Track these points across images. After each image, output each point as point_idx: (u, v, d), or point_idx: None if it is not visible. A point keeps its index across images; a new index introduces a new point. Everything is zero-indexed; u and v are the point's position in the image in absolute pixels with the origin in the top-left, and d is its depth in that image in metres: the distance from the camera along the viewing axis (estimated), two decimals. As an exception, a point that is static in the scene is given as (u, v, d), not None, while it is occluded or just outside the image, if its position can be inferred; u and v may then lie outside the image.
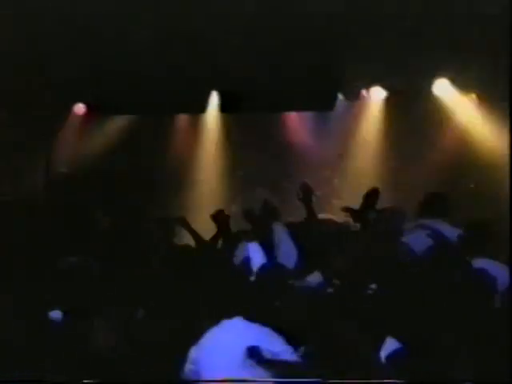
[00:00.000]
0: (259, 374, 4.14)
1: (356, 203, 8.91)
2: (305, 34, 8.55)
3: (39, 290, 5.92)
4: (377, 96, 11.56)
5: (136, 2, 7.25)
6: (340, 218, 10.41)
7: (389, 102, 11.56)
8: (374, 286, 6.00)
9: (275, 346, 4.34)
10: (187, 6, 7.36)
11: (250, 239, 7.12)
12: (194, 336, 4.80)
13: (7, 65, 8.11)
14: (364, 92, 11.57)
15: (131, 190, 10.64)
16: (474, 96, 10.64)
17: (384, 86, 11.38)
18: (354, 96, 11.65)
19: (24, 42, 7.87)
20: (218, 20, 7.79)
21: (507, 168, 7.72)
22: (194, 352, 4.63)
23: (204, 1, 7.25)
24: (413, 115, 11.60)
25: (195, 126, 11.79)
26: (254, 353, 4.15)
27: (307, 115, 12.39)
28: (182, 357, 4.69)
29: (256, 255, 6.63)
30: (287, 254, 7.71)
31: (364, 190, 8.98)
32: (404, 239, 7.21)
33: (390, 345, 4.72)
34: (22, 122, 9.74)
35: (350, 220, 9.26)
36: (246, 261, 6.72)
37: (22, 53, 8.15)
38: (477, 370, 4.49)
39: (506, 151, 8.41)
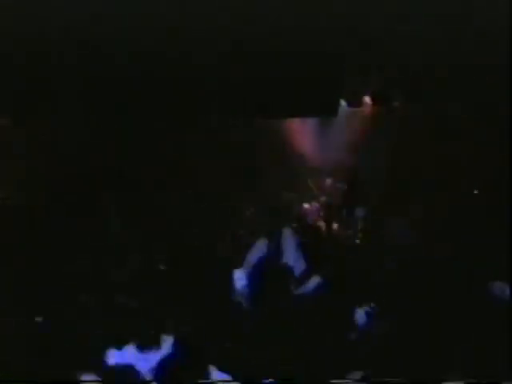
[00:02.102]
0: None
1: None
2: (308, 40, 8.57)
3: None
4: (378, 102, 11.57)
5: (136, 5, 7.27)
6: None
7: (390, 108, 11.59)
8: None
9: None
10: (192, 10, 7.39)
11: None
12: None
13: (7, 67, 8.13)
14: (366, 98, 11.55)
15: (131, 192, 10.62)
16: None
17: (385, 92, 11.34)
18: (357, 102, 11.65)
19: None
20: (226, 25, 7.82)
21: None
22: None
23: (210, 4, 7.27)
24: (413, 121, 11.68)
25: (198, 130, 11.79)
26: None
27: (310, 121, 12.42)
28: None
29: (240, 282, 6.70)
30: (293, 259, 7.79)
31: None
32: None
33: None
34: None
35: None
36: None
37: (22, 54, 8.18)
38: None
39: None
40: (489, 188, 9.92)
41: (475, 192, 10.83)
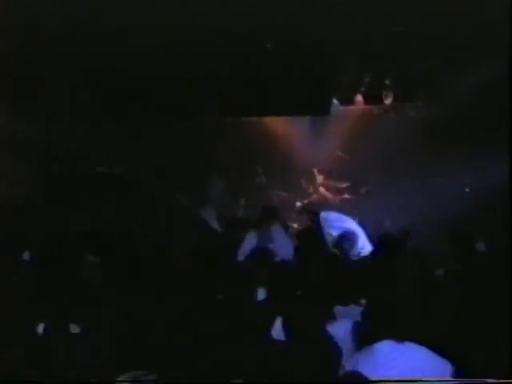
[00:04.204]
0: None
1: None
2: (301, 40, 8.57)
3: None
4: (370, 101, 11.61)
5: (134, 5, 7.24)
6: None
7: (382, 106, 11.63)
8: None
9: None
10: (188, 11, 7.37)
11: None
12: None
13: (6, 67, 8.09)
14: (358, 97, 11.57)
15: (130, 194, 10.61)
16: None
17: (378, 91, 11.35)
18: (349, 101, 11.67)
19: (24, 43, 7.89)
20: (218, 25, 7.80)
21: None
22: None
23: (205, 5, 7.25)
24: (407, 120, 11.74)
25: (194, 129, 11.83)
26: None
27: (303, 120, 12.46)
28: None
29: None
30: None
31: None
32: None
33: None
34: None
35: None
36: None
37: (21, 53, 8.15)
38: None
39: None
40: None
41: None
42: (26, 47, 7.91)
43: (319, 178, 12.42)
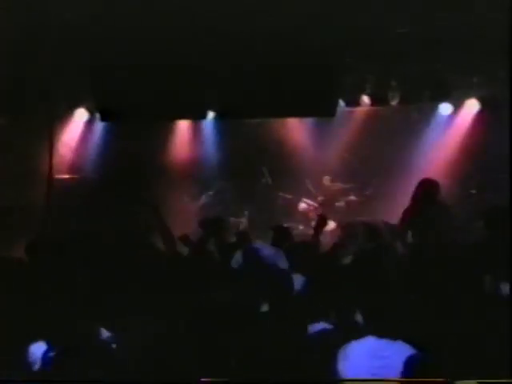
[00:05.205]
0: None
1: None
2: (307, 41, 8.55)
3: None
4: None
5: (136, 5, 7.24)
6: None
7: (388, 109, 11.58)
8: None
9: None
10: (190, 11, 7.37)
11: None
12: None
13: (6, 66, 8.12)
14: (365, 98, 11.51)
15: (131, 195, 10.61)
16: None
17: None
18: (354, 102, 11.63)
19: (25, 44, 7.91)
20: (222, 26, 7.80)
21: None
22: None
23: (209, 8, 7.25)
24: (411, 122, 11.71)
25: (196, 131, 11.84)
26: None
27: (309, 121, 12.42)
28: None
29: None
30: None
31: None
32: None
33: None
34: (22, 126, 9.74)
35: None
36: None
37: (21, 54, 8.17)
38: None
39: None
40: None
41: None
42: (25, 47, 7.95)
43: (325, 180, 12.38)
